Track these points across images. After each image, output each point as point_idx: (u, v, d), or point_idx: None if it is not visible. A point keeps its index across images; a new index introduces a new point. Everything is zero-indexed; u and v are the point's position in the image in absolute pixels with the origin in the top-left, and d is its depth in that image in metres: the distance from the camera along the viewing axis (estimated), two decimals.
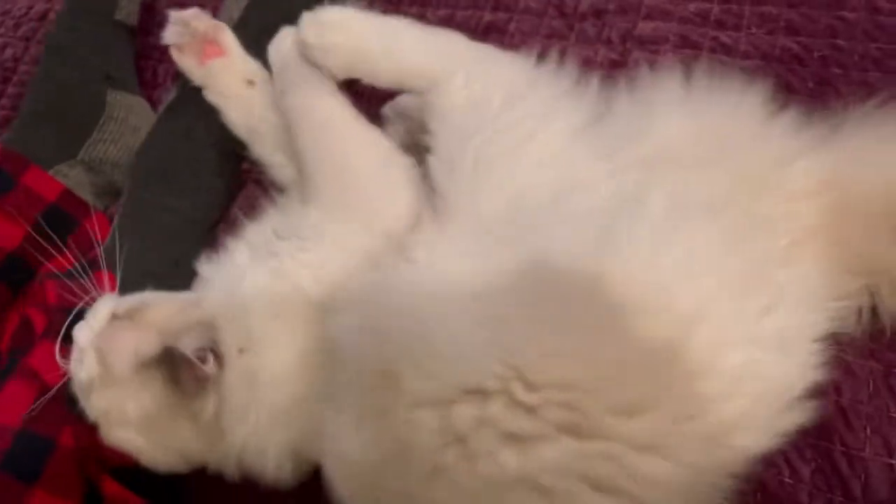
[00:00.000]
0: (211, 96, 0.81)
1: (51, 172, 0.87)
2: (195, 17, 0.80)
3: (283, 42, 0.74)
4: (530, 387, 0.52)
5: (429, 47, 0.71)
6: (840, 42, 0.79)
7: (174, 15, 0.80)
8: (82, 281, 0.73)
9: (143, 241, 0.79)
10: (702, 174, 0.58)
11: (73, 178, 0.88)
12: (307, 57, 0.70)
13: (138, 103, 0.98)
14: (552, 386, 0.52)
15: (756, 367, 0.53)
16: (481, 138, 0.64)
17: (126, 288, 0.74)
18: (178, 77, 0.86)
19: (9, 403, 0.67)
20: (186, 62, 0.81)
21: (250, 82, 0.81)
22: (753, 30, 0.83)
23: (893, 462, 0.60)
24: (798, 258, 0.57)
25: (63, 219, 0.84)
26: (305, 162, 0.69)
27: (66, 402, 0.65)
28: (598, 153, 0.62)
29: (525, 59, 0.70)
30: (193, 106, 0.83)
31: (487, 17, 0.93)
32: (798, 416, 0.56)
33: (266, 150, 0.81)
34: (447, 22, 0.94)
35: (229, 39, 0.81)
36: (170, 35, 0.80)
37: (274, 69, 0.76)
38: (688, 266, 0.55)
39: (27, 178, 0.83)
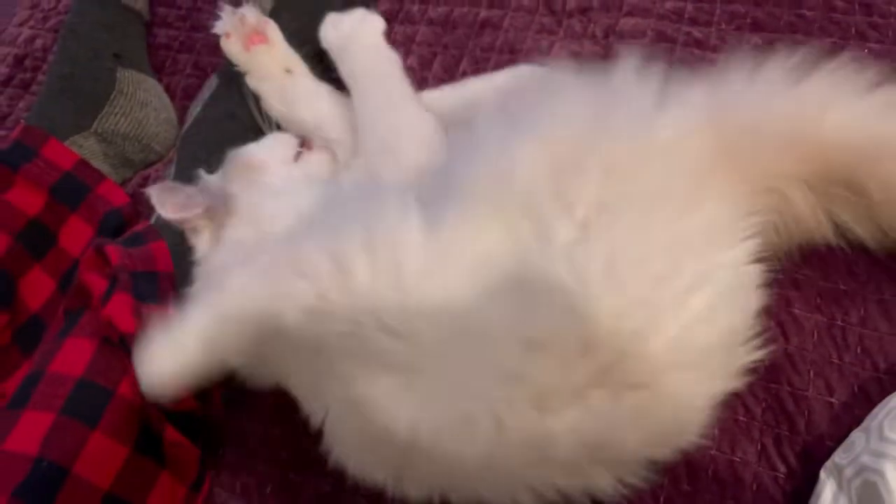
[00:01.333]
0: (252, 81, 0.90)
1: (66, 143, 0.96)
2: (248, 10, 0.89)
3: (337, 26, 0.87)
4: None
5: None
6: (799, 36, 0.88)
7: (229, 9, 0.90)
8: (137, 249, 0.82)
9: None
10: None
11: (87, 148, 0.97)
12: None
13: (146, 80, 1.06)
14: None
15: (686, 343, 0.58)
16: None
17: (177, 261, 0.83)
18: (218, 70, 0.95)
19: (70, 356, 0.73)
20: (233, 48, 0.90)
21: (288, 70, 0.90)
22: (723, 26, 0.91)
23: (833, 401, 0.68)
24: (703, 198, 0.61)
25: (77, 185, 0.92)
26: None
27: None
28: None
29: None
30: (235, 94, 0.92)
31: (483, 13, 1.02)
32: (734, 382, 0.63)
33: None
34: (446, 18, 1.03)
35: (274, 31, 0.90)
36: (221, 25, 0.89)
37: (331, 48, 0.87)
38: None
39: (46, 149, 0.92)
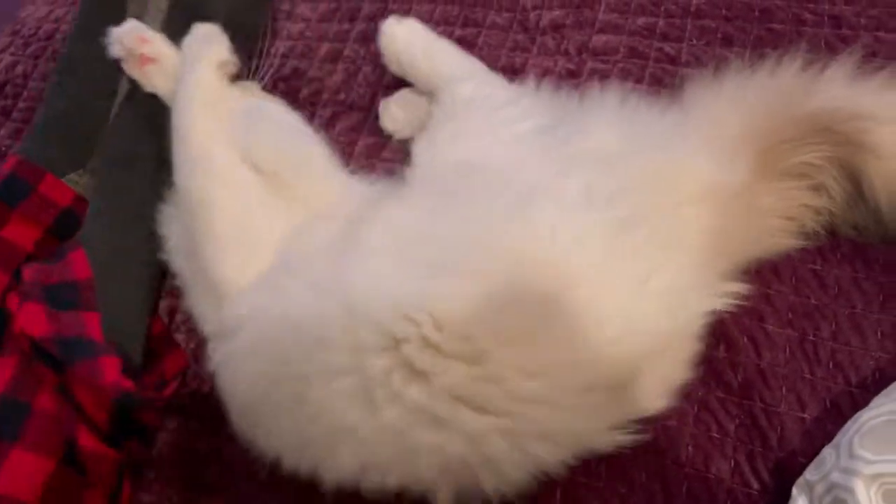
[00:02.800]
0: (158, 92, 0.92)
1: (63, 180, 0.95)
2: (125, 34, 0.91)
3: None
4: (439, 327, 0.62)
5: (458, 59, 0.89)
6: (769, 50, 0.88)
7: (111, 33, 0.92)
8: (57, 263, 0.83)
9: (112, 221, 0.88)
10: (614, 170, 0.69)
11: (82, 185, 0.96)
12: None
13: None
14: (456, 323, 0.62)
15: (624, 320, 0.63)
16: (463, 121, 0.79)
17: (96, 267, 0.84)
18: None
19: None
20: (131, 71, 0.93)
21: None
22: (694, 41, 0.92)
23: (805, 416, 0.69)
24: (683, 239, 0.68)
25: (76, 222, 0.91)
26: None
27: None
28: (538, 147, 0.73)
29: (517, 85, 0.88)
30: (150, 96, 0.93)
31: (458, 31, 1.02)
32: (685, 372, 0.68)
33: None
34: None
35: (157, 47, 0.91)
36: (113, 51, 0.92)
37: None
38: (582, 238, 0.65)
39: (43, 186, 0.91)
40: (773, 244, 0.73)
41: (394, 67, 0.92)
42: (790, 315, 0.73)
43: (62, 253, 0.85)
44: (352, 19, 1.09)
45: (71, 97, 1.00)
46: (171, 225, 0.85)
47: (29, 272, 0.82)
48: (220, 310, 0.76)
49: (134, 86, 0.95)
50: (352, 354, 0.63)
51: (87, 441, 0.74)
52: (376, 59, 1.04)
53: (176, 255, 0.84)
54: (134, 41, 0.91)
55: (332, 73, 1.05)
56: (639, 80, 0.91)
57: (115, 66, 1.03)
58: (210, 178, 0.78)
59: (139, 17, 0.97)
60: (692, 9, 0.94)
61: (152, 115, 0.91)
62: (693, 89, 0.76)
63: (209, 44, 0.86)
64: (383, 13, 1.07)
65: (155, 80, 0.92)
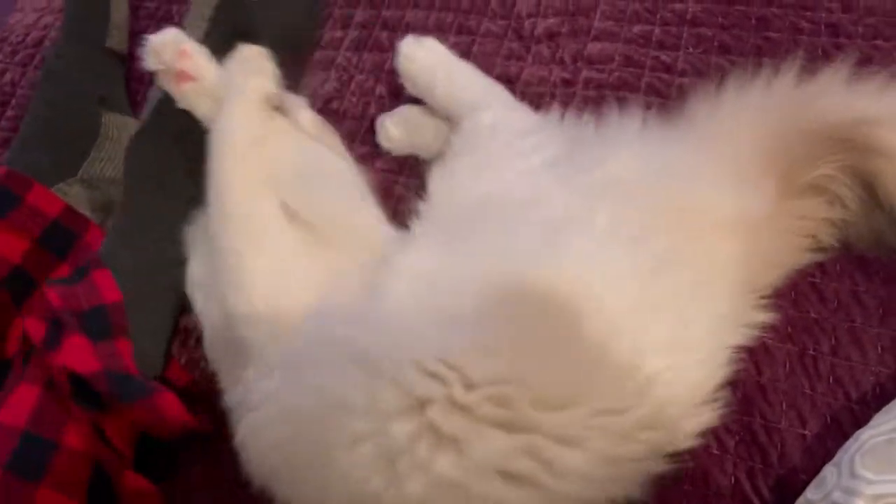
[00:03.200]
0: (194, 111, 0.87)
1: (52, 190, 0.93)
2: (164, 47, 0.84)
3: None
4: (469, 386, 0.58)
5: (478, 84, 0.87)
6: (766, 59, 0.87)
7: (148, 43, 0.85)
8: (81, 284, 0.81)
9: (139, 243, 0.85)
10: (639, 201, 0.67)
11: (72, 195, 0.94)
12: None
13: (128, 122, 1.04)
14: (488, 383, 0.58)
15: (670, 373, 0.61)
16: (484, 152, 0.76)
17: (124, 287, 0.81)
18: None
19: (15, 406, 0.71)
20: (167, 85, 0.87)
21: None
22: (690, 49, 0.91)
23: (806, 432, 0.68)
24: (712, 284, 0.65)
25: (65, 233, 0.89)
26: None
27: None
28: (562, 178, 0.71)
29: (539, 114, 0.86)
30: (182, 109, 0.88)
31: (452, 39, 1.01)
32: (706, 418, 0.65)
33: None
34: None
35: (198, 63, 0.85)
36: (147, 63, 0.86)
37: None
38: (617, 279, 0.63)
39: (31, 196, 0.88)
40: (792, 265, 0.72)
41: (410, 88, 0.89)
42: (789, 329, 0.72)
43: (83, 273, 0.82)
44: (344, 27, 1.07)
45: (55, 104, 0.98)
46: (196, 254, 0.82)
47: (55, 296, 0.77)
48: (243, 367, 0.71)
49: (165, 97, 0.89)
50: (372, 418, 0.58)
51: (133, 482, 0.72)
52: (369, 68, 1.03)
53: (197, 291, 0.81)
54: (173, 55, 0.84)
55: (324, 81, 1.03)
56: (634, 90, 0.90)
57: (101, 71, 1.00)
58: (246, 239, 0.73)
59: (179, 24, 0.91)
60: (688, 17, 0.93)
61: (185, 132, 0.86)
62: (698, 108, 0.74)
63: (253, 73, 0.80)
64: (376, 20, 1.07)
65: (193, 100, 0.85)
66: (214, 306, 0.76)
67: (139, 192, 0.88)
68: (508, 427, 0.57)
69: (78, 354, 0.73)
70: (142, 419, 0.74)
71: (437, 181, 0.75)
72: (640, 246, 0.65)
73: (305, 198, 0.77)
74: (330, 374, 0.63)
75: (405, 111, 0.92)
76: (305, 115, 0.91)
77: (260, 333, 0.71)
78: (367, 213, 0.80)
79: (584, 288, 0.61)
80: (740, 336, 0.68)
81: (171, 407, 0.75)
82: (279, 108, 0.88)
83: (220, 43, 0.86)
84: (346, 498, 0.60)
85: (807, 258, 0.72)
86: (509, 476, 0.56)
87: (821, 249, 0.72)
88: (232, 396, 0.72)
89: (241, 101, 0.79)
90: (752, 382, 0.70)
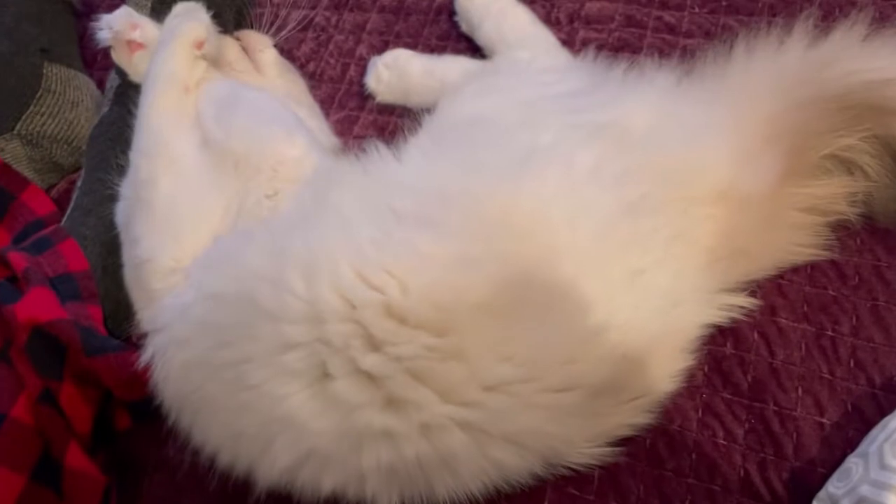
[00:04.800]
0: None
1: None
2: (115, 20, 0.83)
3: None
4: (404, 290, 0.55)
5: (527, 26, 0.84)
6: (779, 19, 0.80)
7: (101, 20, 0.84)
8: (46, 254, 0.75)
9: (102, 221, 0.80)
10: (633, 151, 0.61)
11: (9, 151, 0.88)
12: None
13: (77, 77, 0.97)
14: (424, 287, 0.55)
15: (624, 316, 0.57)
16: (501, 79, 0.74)
17: (89, 257, 0.77)
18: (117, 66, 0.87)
19: None
20: (120, 60, 0.85)
21: None
22: (696, 9, 0.84)
23: (824, 421, 0.61)
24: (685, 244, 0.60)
25: (1, 192, 0.83)
26: None
27: None
28: (564, 110, 0.66)
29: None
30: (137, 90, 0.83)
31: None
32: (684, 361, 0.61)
33: None
34: (399, 4, 0.95)
35: (146, 31, 0.83)
36: (100, 38, 0.84)
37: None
38: (581, 214, 0.58)
39: None
40: (782, 261, 0.65)
41: (464, 27, 0.88)
42: (805, 308, 0.65)
43: (46, 244, 0.77)
44: None
45: None
46: (122, 199, 0.77)
47: (18, 259, 0.73)
48: (151, 295, 0.68)
49: (122, 86, 0.87)
50: (307, 324, 0.56)
51: (75, 460, 0.67)
52: (349, 28, 0.96)
53: (121, 232, 0.76)
54: (124, 26, 0.82)
55: (300, 41, 0.96)
56: (636, 51, 0.83)
57: (42, 23, 0.95)
58: (159, 160, 0.71)
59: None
60: None
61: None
62: (707, 69, 0.68)
63: (186, 19, 0.78)
64: None
65: (143, 69, 0.82)
66: (129, 243, 0.73)
67: (100, 172, 0.82)
68: (437, 331, 0.55)
69: (43, 304, 0.70)
70: (106, 376, 0.69)
71: (445, 99, 0.72)
72: (618, 189, 0.60)
73: (223, 124, 0.74)
74: (259, 277, 0.59)
75: (398, 53, 0.87)
76: (268, 54, 0.88)
77: (163, 254, 0.69)
78: (299, 142, 0.74)
79: (544, 213, 0.58)
80: (709, 313, 0.63)
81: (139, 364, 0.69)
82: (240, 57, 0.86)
83: (165, 14, 0.82)
84: (260, 419, 0.57)
85: (800, 257, 0.66)
86: (435, 385, 0.54)
87: (837, 228, 0.66)
88: (143, 321, 0.70)
89: (171, 45, 0.77)
90: (763, 365, 0.63)
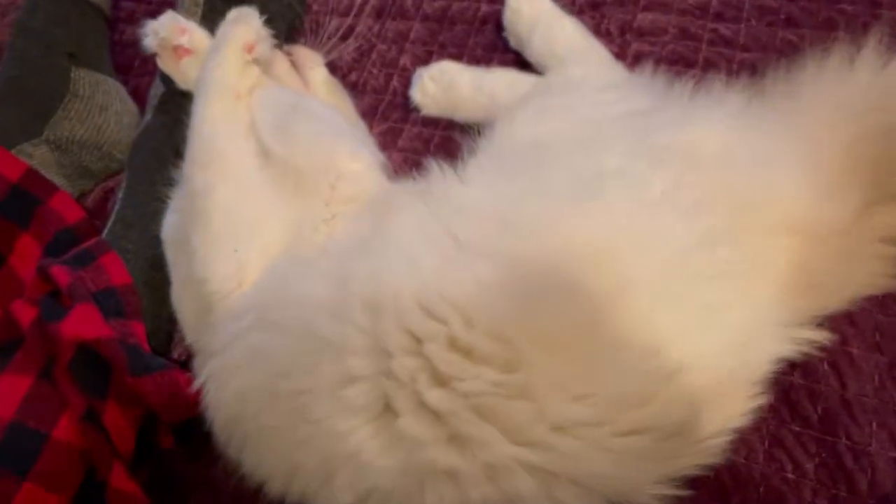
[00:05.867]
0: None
1: (13, 152, 0.84)
2: (162, 26, 0.81)
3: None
4: (469, 323, 0.54)
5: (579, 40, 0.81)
6: (839, 34, 0.78)
7: (147, 25, 0.81)
8: (88, 269, 0.73)
9: (143, 234, 0.78)
10: (706, 175, 0.59)
11: (37, 157, 0.86)
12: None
13: (105, 82, 0.95)
14: (490, 320, 0.53)
15: (694, 356, 0.54)
16: (559, 98, 0.72)
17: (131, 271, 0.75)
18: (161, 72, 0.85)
19: (2, 397, 0.64)
20: (166, 66, 0.82)
21: None
22: (753, 22, 0.82)
23: None
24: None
25: (27, 199, 0.81)
26: None
27: None
28: (631, 131, 0.64)
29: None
30: (183, 98, 0.81)
31: (484, 7, 0.92)
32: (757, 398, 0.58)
33: None
34: (443, 13, 0.93)
35: (195, 37, 0.81)
36: (146, 45, 0.81)
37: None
38: (651, 246, 0.56)
39: None
40: (859, 292, 0.62)
41: (513, 42, 0.86)
42: (878, 337, 0.63)
43: (89, 257, 0.76)
44: None
45: (25, 62, 0.90)
46: (172, 210, 0.76)
47: (61, 273, 0.72)
48: (206, 316, 0.66)
49: (167, 94, 0.85)
50: (371, 357, 0.55)
51: (120, 481, 0.65)
52: (391, 37, 0.94)
53: (169, 246, 0.74)
54: (170, 31, 0.80)
55: (342, 50, 0.94)
56: (690, 65, 0.81)
57: (71, 27, 0.94)
58: (214, 168, 0.69)
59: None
60: None
61: (185, 122, 0.81)
62: (774, 90, 0.66)
63: (238, 24, 0.76)
64: None
65: (192, 76, 0.81)
66: (182, 257, 0.71)
67: (143, 183, 0.81)
68: (504, 366, 0.53)
69: (88, 321, 0.68)
70: (152, 397, 0.67)
71: (503, 121, 0.70)
72: (692, 218, 0.57)
73: (283, 135, 0.71)
74: (320, 308, 0.58)
75: (445, 66, 0.85)
76: (319, 72, 0.86)
77: (221, 272, 0.66)
78: (361, 163, 0.72)
79: (617, 241, 0.56)
80: (782, 346, 0.59)
81: (184, 384, 0.68)
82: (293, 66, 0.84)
83: (216, 22, 0.79)
84: (321, 453, 0.55)
85: (875, 288, 0.62)
86: (502, 424, 0.52)
87: None
88: (195, 343, 0.68)
89: (222, 49, 0.74)
90: (834, 397, 0.61)
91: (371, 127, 0.87)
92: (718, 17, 0.83)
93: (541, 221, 0.57)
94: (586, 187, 0.59)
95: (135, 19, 1.06)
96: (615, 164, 0.60)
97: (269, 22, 0.78)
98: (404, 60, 0.91)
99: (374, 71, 0.91)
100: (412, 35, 0.93)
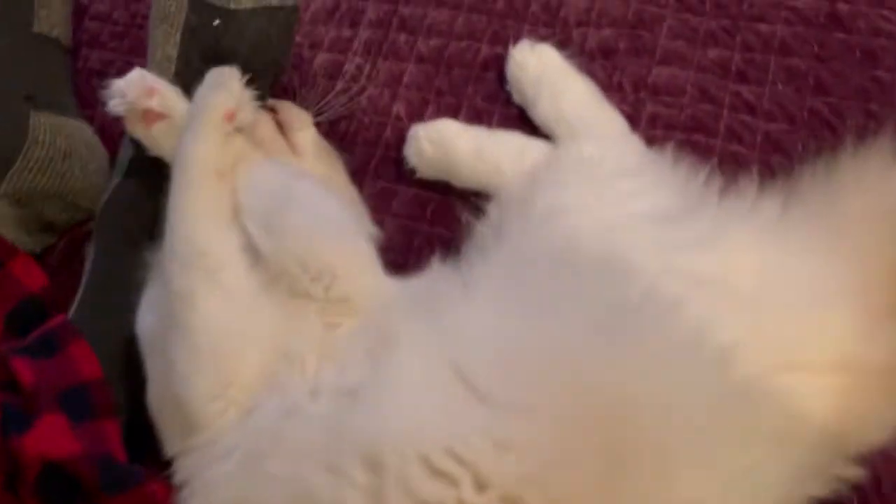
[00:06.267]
0: (168, 159, 0.71)
1: None
2: (129, 85, 0.71)
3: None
4: (481, 485, 0.49)
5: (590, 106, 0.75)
6: (873, 106, 0.72)
7: (113, 85, 0.72)
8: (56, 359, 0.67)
9: (109, 314, 0.72)
10: (743, 309, 0.54)
11: None
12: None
13: (67, 124, 0.86)
14: (506, 482, 0.49)
15: None
16: (574, 190, 0.65)
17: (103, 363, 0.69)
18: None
19: None
20: (135, 132, 0.73)
21: None
22: (779, 86, 0.75)
23: None
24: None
25: None
26: None
27: None
28: (658, 246, 0.59)
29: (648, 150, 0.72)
30: (156, 162, 0.74)
31: (485, 50, 0.84)
32: None
33: None
34: (439, 54, 0.85)
35: (167, 99, 0.72)
36: (112, 108, 0.72)
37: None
38: (682, 399, 0.51)
39: None
40: None
41: (517, 98, 0.79)
42: None
43: (54, 345, 0.69)
44: (354, 23, 0.89)
45: None
46: (147, 300, 0.68)
47: (26, 370, 0.66)
48: (188, 435, 0.60)
49: (135, 156, 0.77)
50: None
51: None
52: (384, 79, 0.86)
53: (145, 342, 0.67)
54: (139, 92, 0.71)
55: (326, 93, 0.85)
56: (711, 133, 0.75)
57: (28, 67, 0.86)
58: (195, 273, 0.61)
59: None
60: (776, 43, 0.77)
61: (160, 191, 0.73)
62: (808, 191, 0.60)
63: (215, 90, 0.67)
64: (392, 18, 0.89)
65: (164, 143, 0.72)
66: (160, 363, 0.64)
67: (111, 255, 0.74)
68: None
69: (54, 436, 0.62)
70: None
71: (514, 218, 0.64)
72: (728, 364, 0.52)
73: (274, 231, 0.64)
74: (311, 465, 0.52)
75: (442, 126, 0.77)
76: (307, 134, 0.78)
77: (204, 395, 0.59)
78: (358, 261, 0.66)
79: (639, 403, 0.51)
80: (818, 487, 0.55)
81: (163, 498, 0.63)
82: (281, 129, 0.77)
83: (192, 79, 0.71)
84: None
85: None
86: None
87: None
88: (177, 467, 0.61)
89: (198, 122, 0.66)
90: None
91: (362, 187, 0.80)
92: (741, 77, 0.77)
93: (560, 371, 0.52)
94: (609, 330, 0.53)
95: (99, 43, 0.96)
96: (640, 294, 0.55)
97: (251, 81, 0.70)
98: (398, 108, 0.84)
99: (366, 120, 0.84)
100: (406, 78, 0.85)
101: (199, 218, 0.63)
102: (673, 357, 0.53)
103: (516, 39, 0.83)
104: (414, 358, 0.55)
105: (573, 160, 0.69)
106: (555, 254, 0.60)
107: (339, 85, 0.84)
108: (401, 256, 0.76)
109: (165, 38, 0.77)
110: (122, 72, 0.86)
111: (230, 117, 0.67)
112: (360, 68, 0.87)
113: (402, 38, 0.87)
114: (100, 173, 0.87)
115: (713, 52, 0.78)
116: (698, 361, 0.52)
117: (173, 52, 0.77)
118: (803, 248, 0.57)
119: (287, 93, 0.86)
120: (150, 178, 0.75)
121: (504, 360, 0.54)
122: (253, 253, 0.63)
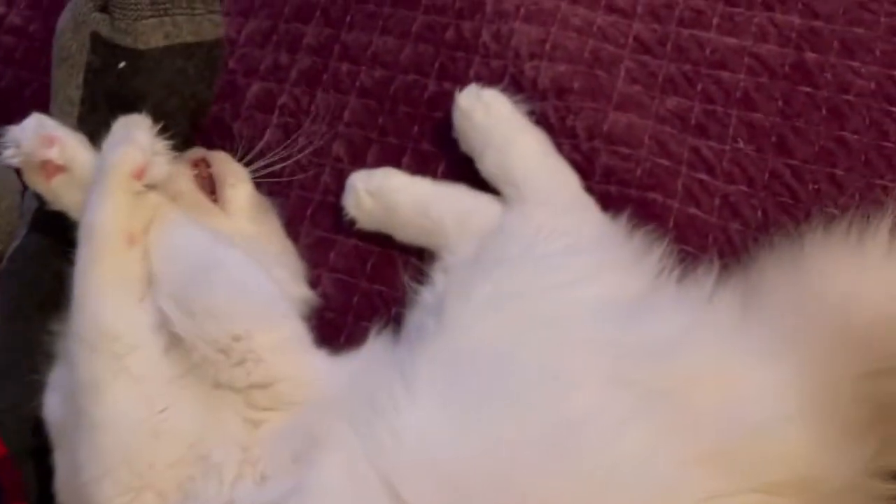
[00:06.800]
0: (72, 214, 0.66)
1: None
2: (25, 134, 0.65)
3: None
4: None
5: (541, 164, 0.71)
6: (838, 171, 0.68)
7: (8, 134, 0.65)
8: None
9: (20, 386, 0.65)
10: (701, 439, 0.50)
11: None
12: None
13: None
14: None
15: None
16: (520, 270, 0.62)
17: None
18: None
19: None
20: (34, 185, 0.67)
21: None
22: (740, 143, 0.71)
23: None
24: None
25: None
26: None
27: None
28: (609, 346, 0.55)
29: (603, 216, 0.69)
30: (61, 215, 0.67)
31: (432, 87, 0.78)
32: None
33: None
34: (384, 88, 0.79)
35: (69, 150, 0.65)
36: (6, 158, 0.65)
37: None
38: None
39: None
40: None
41: (464, 148, 0.73)
42: None
43: None
44: (292, 49, 0.83)
45: None
46: (55, 384, 0.62)
47: None
48: None
49: (39, 209, 0.70)
50: None
51: None
52: (323, 113, 0.80)
53: (52, 429, 0.62)
54: (37, 142, 0.64)
55: (263, 128, 0.80)
56: (669, 194, 0.70)
57: None
58: (102, 358, 0.56)
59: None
60: (738, 94, 0.72)
61: (66, 242, 0.67)
62: (774, 292, 0.57)
63: (121, 144, 0.61)
64: (333, 45, 0.82)
65: (67, 198, 0.66)
66: (68, 453, 0.59)
67: (15, 324, 0.69)
68: None
69: None
70: None
71: (456, 296, 0.60)
72: (683, 485, 0.49)
73: (191, 311, 0.58)
74: None
75: (383, 178, 0.73)
76: (241, 191, 0.72)
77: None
78: (285, 345, 0.61)
79: None
80: None
81: None
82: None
83: (98, 125, 0.65)
84: None
85: None
86: None
87: None
88: None
89: (107, 182, 0.60)
90: None
91: (297, 237, 0.75)
92: (701, 131, 0.72)
93: (495, 490, 0.49)
94: (550, 448, 0.50)
95: (14, 60, 0.88)
96: (585, 408, 0.51)
97: (165, 128, 0.64)
98: (337, 149, 0.78)
99: (303, 161, 0.78)
100: (346, 114, 0.79)
101: (107, 294, 0.58)
102: (616, 481, 0.50)
103: (466, 73, 0.78)
104: (341, 469, 0.52)
105: (520, 232, 0.65)
106: (499, 349, 0.56)
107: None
108: (339, 316, 0.72)
109: (67, 80, 0.71)
110: (38, 94, 0.80)
111: (139, 175, 0.61)
112: (297, 101, 0.80)
113: (344, 67, 0.81)
114: (13, 211, 0.80)
115: (672, 101, 0.74)
116: (645, 489, 0.49)
117: (76, 94, 0.71)
118: (763, 355, 0.54)
119: (221, 126, 0.80)
120: (55, 233, 0.69)
121: (437, 474, 0.51)
122: (170, 332, 0.59)
